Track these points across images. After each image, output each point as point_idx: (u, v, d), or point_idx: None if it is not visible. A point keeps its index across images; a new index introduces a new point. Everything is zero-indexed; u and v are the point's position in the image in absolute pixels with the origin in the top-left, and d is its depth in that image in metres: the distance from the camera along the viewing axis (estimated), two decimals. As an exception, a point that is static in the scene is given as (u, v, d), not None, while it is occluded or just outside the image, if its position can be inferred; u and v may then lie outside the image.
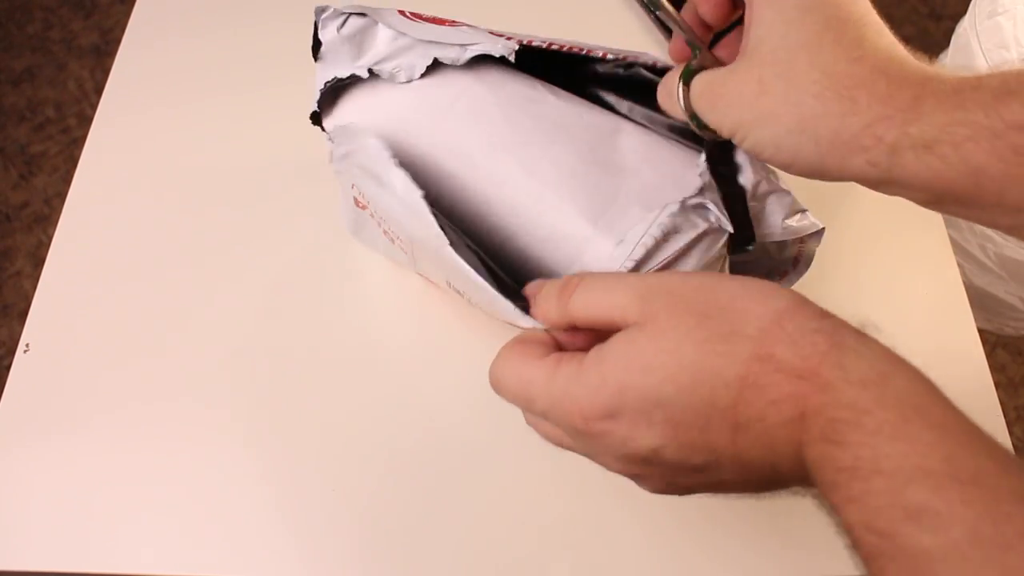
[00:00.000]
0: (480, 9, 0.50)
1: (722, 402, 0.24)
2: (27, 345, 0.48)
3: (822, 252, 0.39)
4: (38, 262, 1.23)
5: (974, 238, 0.95)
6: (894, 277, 0.51)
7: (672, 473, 0.27)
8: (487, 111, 0.37)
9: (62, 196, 0.53)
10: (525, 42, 0.37)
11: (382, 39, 0.38)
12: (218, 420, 0.46)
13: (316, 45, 0.39)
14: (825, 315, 0.25)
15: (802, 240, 0.38)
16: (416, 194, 0.34)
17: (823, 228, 0.37)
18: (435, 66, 0.38)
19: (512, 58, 0.36)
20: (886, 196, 0.31)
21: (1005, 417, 0.45)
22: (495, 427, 0.46)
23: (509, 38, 0.37)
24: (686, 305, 0.26)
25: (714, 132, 0.31)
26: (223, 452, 0.45)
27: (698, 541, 0.43)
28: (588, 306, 0.28)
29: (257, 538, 0.43)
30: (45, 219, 1.28)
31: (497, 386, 0.30)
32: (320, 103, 0.39)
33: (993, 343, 1.19)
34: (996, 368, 1.18)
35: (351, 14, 0.38)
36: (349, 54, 0.38)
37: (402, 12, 0.39)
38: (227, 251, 0.51)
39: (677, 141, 0.38)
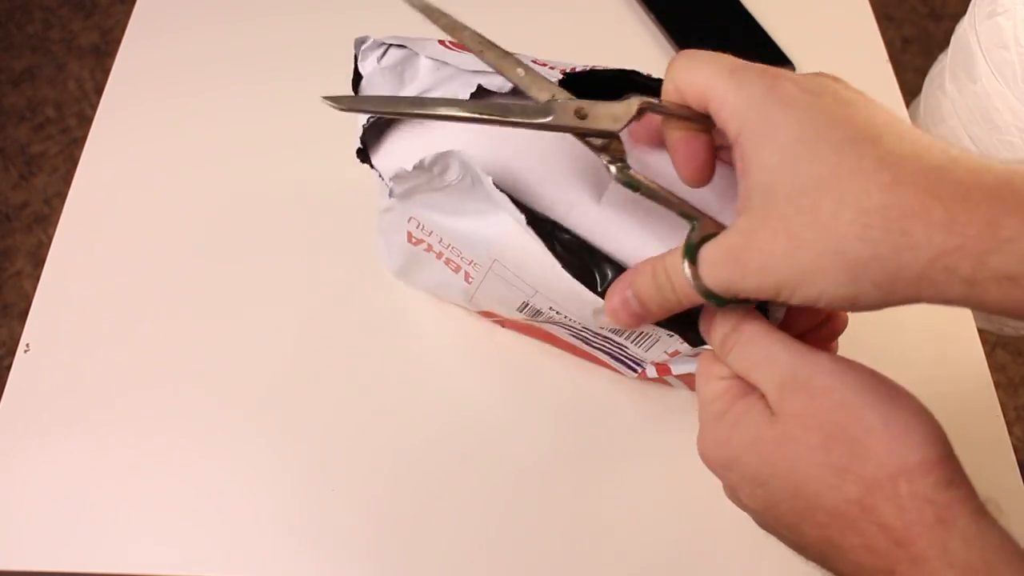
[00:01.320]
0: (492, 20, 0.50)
1: (817, 519, 0.25)
2: (27, 345, 0.48)
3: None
4: (38, 262, 1.23)
5: (974, 238, 0.95)
6: (894, 277, 0.51)
7: (769, 528, 0.29)
8: (539, 140, 0.36)
9: (62, 196, 0.53)
10: (568, 70, 0.36)
11: (424, 69, 0.37)
12: (219, 421, 0.46)
13: (356, 78, 0.38)
14: (950, 486, 0.24)
15: None
16: (521, 217, 0.33)
17: None
18: (480, 94, 0.36)
19: None
20: None
21: (1005, 417, 0.45)
22: (502, 428, 0.46)
23: (552, 67, 0.36)
24: (819, 421, 0.25)
25: (744, 301, 0.28)
26: (224, 453, 0.45)
27: (705, 541, 0.43)
28: (741, 368, 0.29)
29: (258, 539, 0.43)
30: (45, 219, 1.28)
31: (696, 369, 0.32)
32: (365, 138, 0.38)
33: (993, 343, 1.19)
34: (996, 368, 1.18)
35: (391, 45, 0.37)
36: (390, 86, 0.37)
37: (442, 42, 0.38)
38: (227, 249, 0.51)
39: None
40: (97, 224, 0.52)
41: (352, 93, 0.38)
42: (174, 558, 0.42)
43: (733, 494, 0.29)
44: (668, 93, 0.29)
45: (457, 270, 0.40)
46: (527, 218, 0.33)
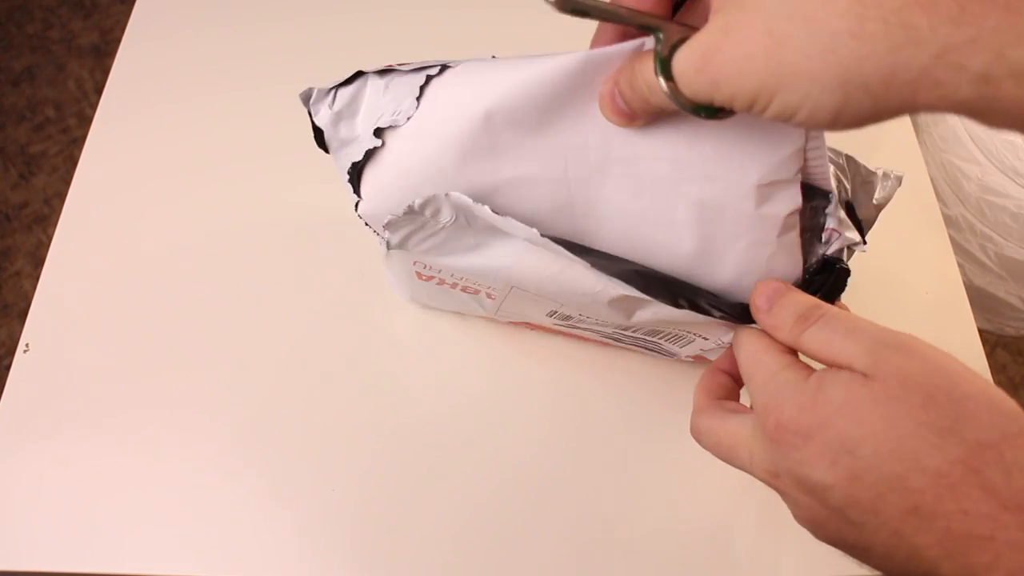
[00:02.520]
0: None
1: (911, 483, 0.23)
2: (27, 345, 0.48)
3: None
4: (38, 262, 1.23)
5: (974, 238, 0.95)
6: (894, 277, 0.51)
7: (826, 516, 0.26)
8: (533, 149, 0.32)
9: (62, 196, 0.53)
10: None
11: (371, 93, 0.34)
12: (218, 419, 0.46)
13: (318, 134, 0.35)
14: None
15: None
16: (533, 231, 0.32)
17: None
18: (434, 90, 0.33)
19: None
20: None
21: (1005, 417, 0.45)
22: (496, 429, 0.46)
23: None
24: (917, 382, 0.24)
25: (723, 112, 0.26)
26: (223, 451, 0.45)
27: (701, 540, 0.43)
28: (821, 344, 0.27)
29: (257, 537, 0.43)
30: (45, 219, 1.28)
31: (736, 342, 0.31)
32: (355, 190, 0.35)
33: (993, 343, 1.19)
34: (996, 368, 1.18)
35: (337, 87, 0.35)
36: (348, 127, 0.35)
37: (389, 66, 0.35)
38: (226, 251, 0.51)
39: None
40: (97, 224, 0.52)
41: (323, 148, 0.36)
42: (174, 557, 0.42)
43: (796, 468, 0.26)
44: None
45: (476, 293, 0.39)
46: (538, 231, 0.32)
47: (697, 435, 0.31)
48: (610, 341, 0.42)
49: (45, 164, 1.33)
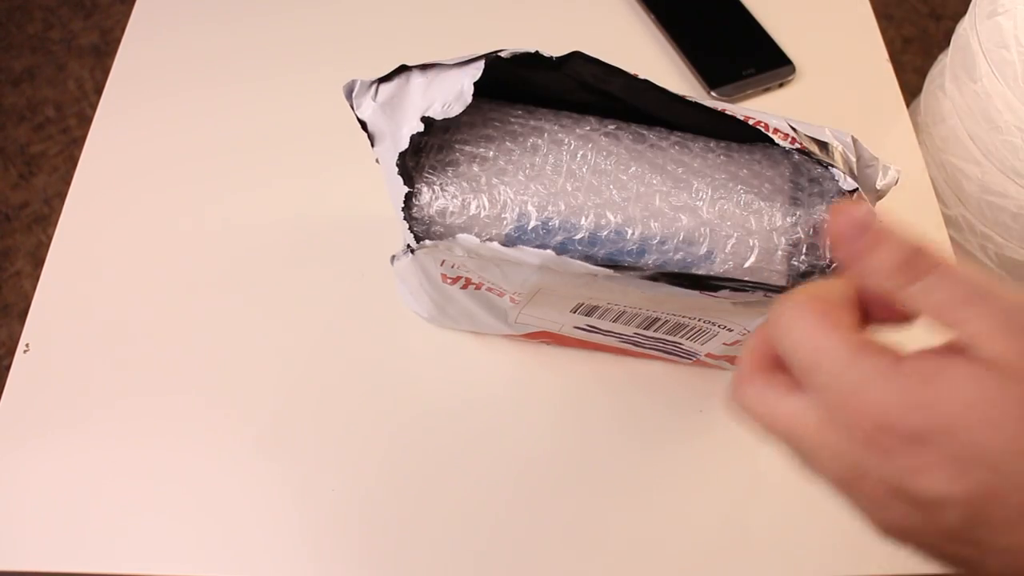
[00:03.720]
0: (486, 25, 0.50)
1: None
2: (27, 345, 0.48)
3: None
4: (38, 262, 1.23)
5: (974, 238, 0.95)
6: (894, 277, 0.51)
7: (928, 530, 0.21)
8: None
9: (62, 196, 0.53)
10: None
11: (415, 88, 0.35)
12: (218, 420, 0.46)
13: (365, 126, 0.36)
14: None
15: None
16: (549, 254, 0.32)
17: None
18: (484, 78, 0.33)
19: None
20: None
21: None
22: (499, 428, 0.46)
23: None
24: None
25: None
26: (223, 452, 0.45)
27: (707, 541, 0.43)
28: (935, 307, 0.22)
29: (257, 538, 0.43)
30: (45, 219, 1.28)
31: (779, 324, 0.23)
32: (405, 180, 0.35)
33: (993, 343, 1.19)
34: (996, 368, 1.17)
35: (379, 81, 0.35)
36: (393, 120, 0.35)
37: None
38: (226, 250, 0.51)
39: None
40: (97, 224, 0.52)
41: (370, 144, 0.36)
42: (174, 558, 0.42)
43: (902, 478, 0.21)
44: None
45: (502, 295, 0.39)
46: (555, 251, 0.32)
47: (740, 404, 0.25)
48: (628, 346, 0.42)
49: (45, 164, 1.33)
